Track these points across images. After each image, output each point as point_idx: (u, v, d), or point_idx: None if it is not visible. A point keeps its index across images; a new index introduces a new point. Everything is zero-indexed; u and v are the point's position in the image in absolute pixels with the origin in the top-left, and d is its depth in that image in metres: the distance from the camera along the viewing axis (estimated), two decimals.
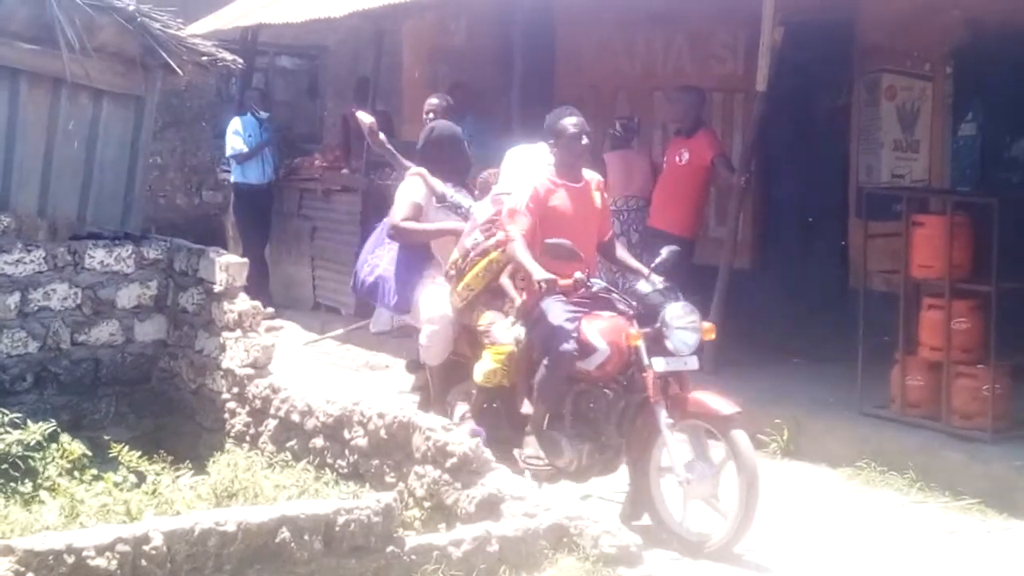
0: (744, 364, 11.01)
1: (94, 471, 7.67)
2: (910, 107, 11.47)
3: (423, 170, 9.29)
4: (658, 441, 7.73)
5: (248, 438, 8.53)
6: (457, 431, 7.22)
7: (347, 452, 7.76)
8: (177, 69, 9.88)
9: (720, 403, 7.66)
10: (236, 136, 15.12)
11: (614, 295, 8.11)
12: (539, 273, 7.88)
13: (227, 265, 9.09)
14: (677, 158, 11.43)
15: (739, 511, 7.46)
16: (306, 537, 5.70)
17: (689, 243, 11.29)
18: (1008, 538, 7.97)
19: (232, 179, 15.42)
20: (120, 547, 5.31)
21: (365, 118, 11.05)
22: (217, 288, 9.06)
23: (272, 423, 8.38)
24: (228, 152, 15.27)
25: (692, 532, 7.73)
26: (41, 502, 7.19)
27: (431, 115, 11.52)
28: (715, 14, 12.64)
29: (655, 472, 7.87)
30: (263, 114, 15.40)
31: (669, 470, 7.77)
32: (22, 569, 5.13)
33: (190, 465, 7.87)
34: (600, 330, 7.93)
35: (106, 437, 8.32)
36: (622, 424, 7.91)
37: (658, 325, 7.77)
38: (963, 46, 10.98)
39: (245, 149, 15.06)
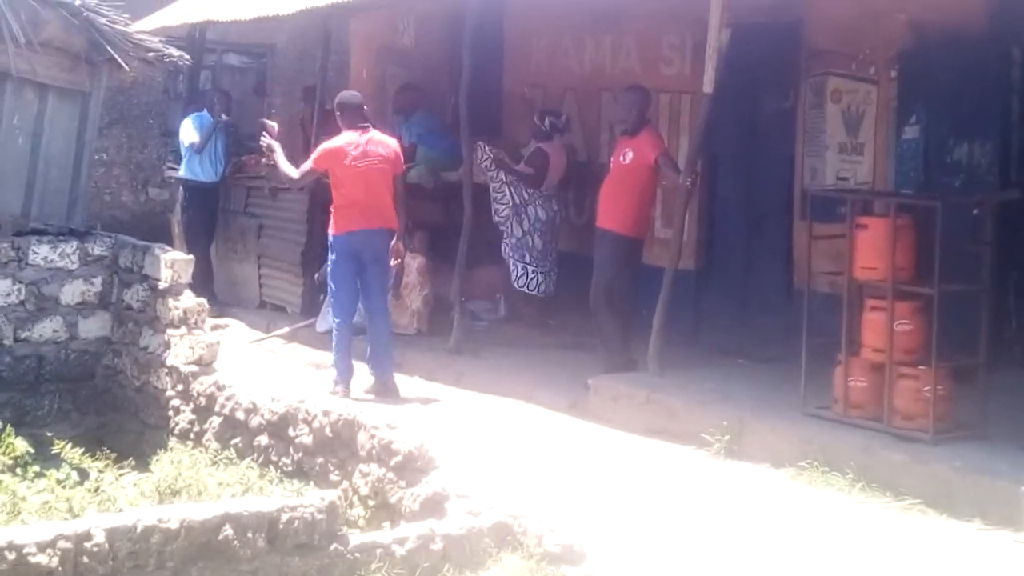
0: (689, 365, 11.05)
1: (36, 468, 7.65)
2: (855, 110, 11.54)
3: None
4: None
5: (192, 436, 8.52)
6: (401, 429, 7.23)
7: (292, 450, 7.76)
8: (123, 65, 9.86)
9: None
10: (191, 130, 15.01)
11: None
12: None
13: (172, 262, 9.07)
14: (621, 157, 11.45)
15: None
16: (250, 535, 5.70)
17: (636, 242, 11.33)
18: (948, 538, 8.02)
19: (182, 175, 15.32)
20: (62, 544, 5.30)
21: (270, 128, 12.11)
22: (162, 285, 9.05)
23: (216, 421, 8.38)
24: (187, 143, 15.14)
25: None
26: None
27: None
28: (663, 16, 12.71)
29: None
30: (225, 117, 15.28)
31: None
32: None
33: (133, 463, 7.87)
34: None
35: (49, 434, 8.31)
36: None
37: None
38: (908, 50, 11.05)
39: (198, 140, 14.95)
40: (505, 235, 13.42)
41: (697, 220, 12.54)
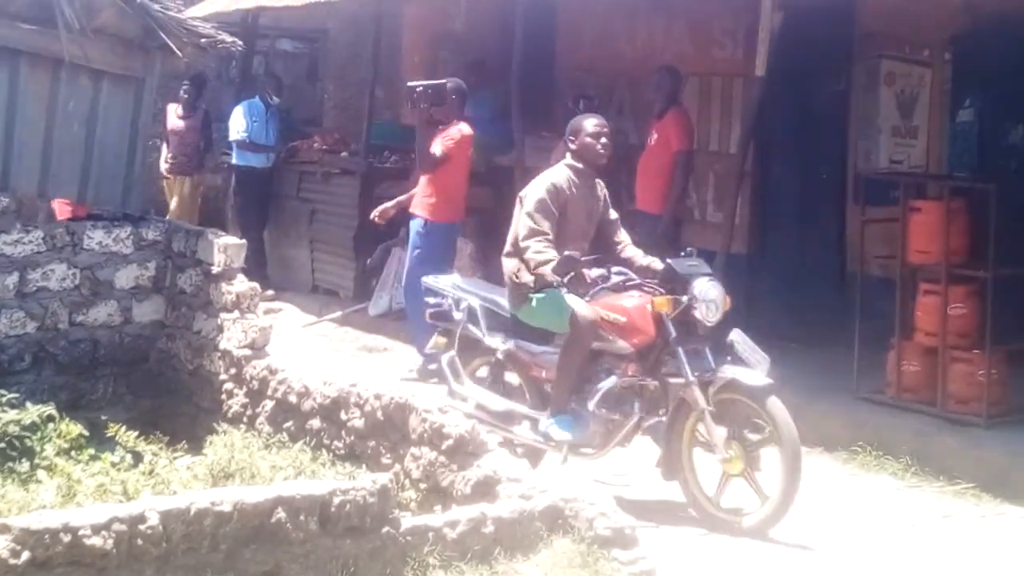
0: None
1: (91, 451, 7.70)
2: (909, 93, 11.47)
3: None
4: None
5: (245, 419, 8.56)
6: (453, 413, 7.23)
7: (344, 433, 7.78)
8: (177, 51, 9.88)
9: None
10: (241, 120, 15.08)
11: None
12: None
13: (225, 246, 9.10)
14: (649, 139, 11.57)
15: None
16: (302, 517, 5.71)
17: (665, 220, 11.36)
18: (1002, 523, 7.99)
19: (234, 162, 15.42)
20: (116, 526, 5.32)
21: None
22: (215, 269, 9.08)
23: (269, 404, 8.40)
24: (232, 137, 15.25)
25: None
26: (38, 481, 7.22)
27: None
28: None
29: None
30: (275, 99, 15.37)
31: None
32: (18, 547, 5.14)
33: (187, 446, 7.90)
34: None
35: (103, 417, 8.34)
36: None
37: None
38: (962, 33, 10.98)
39: (246, 136, 15.03)
40: None
41: (749, 204, 12.49)
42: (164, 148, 15.88)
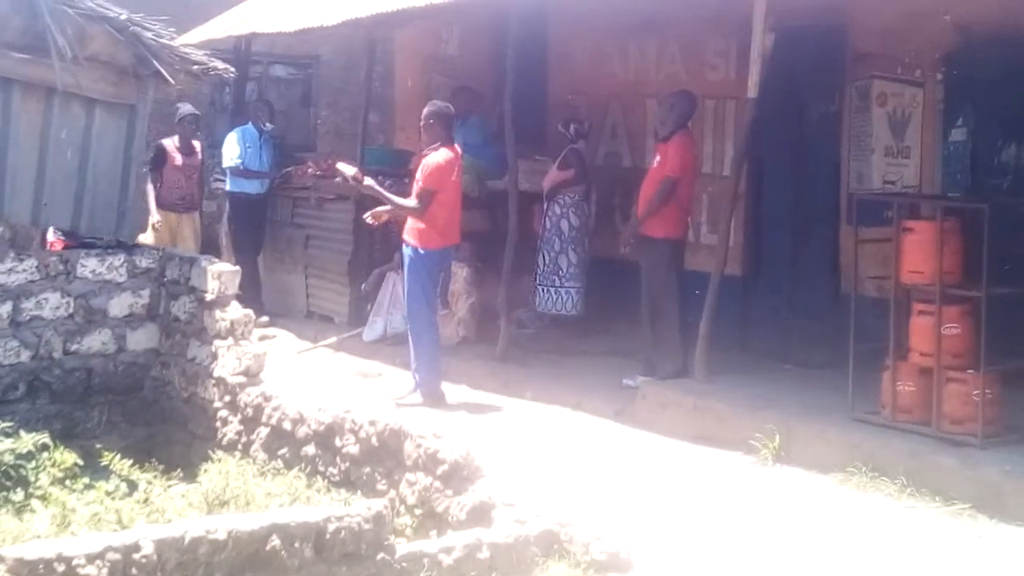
0: (736, 371, 11.03)
1: (86, 480, 7.69)
2: (901, 113, 11.48)
3: None
4: None
5: (240, 446, 8.56)
6: (448, 438, 7.23)
7: (338, 460, 7.78)
8: (169, 78, 9.90)
9: None
10: (235, 147, 15.07)
11: None
12: None
13: (219, 273, 9.11)
14: (653, 162, 11.55)
15: None
16: (297, 545, 5.72)
17: (674, 244, 11.31)
18: (998, 543, 7.97)
19: (228, 188, 15.41)
20: (110, 555, 5.32)
21: (347, 169, 11.53)
22: (209, 296, 9.09)
23: (264, 431, 8.40)
24: (226, 163, 15.24)
25: None
26: (32, 511, 7.21)
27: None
28: (707, 21, 12.67)
29: None
30: (269, 125, 15.37)
31: None
32: None
33: (182, 473, 7.90)
34: None
35: (98, 446, 8.34)
36: None
37: None
38: (954, 52, 11.00)
39: (240, 162, 15.02)
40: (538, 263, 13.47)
41: (743, 225, 12.50)
42: (150, 186, 14.49)
